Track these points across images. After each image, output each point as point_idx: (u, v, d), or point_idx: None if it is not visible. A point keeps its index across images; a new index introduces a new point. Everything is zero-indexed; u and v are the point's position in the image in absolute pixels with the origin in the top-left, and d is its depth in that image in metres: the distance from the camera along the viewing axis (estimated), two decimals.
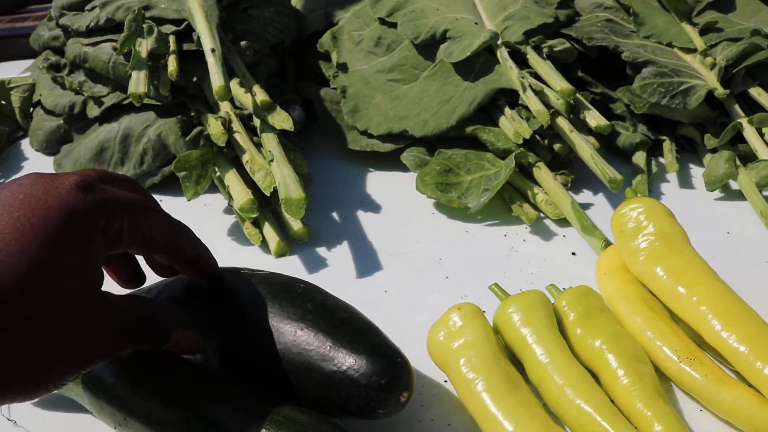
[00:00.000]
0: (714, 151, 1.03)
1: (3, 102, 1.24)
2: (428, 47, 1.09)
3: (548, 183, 0.96)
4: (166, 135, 1.04)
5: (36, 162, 1.19)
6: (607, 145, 1.07)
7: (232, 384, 0.67)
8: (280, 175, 0.90)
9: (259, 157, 0.94)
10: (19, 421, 0.76)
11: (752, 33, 1.06)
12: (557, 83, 0.98)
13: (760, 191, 0.97)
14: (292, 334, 0.67)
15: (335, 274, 0.90)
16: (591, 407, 0.67)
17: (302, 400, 0.66)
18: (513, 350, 0.75)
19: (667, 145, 1.05)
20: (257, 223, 0.96)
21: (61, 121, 1.18)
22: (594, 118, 0.98)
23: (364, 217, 1.00)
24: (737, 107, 1.03)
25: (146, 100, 1.05)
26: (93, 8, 1.11)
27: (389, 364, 0.64)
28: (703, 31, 1.10)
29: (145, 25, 1.03)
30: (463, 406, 0.73)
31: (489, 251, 0.93)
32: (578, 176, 1.03)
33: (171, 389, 0.67)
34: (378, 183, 1.07)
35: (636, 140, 1.04)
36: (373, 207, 1.03)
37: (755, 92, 1.03)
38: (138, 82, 0.96)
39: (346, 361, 0.64)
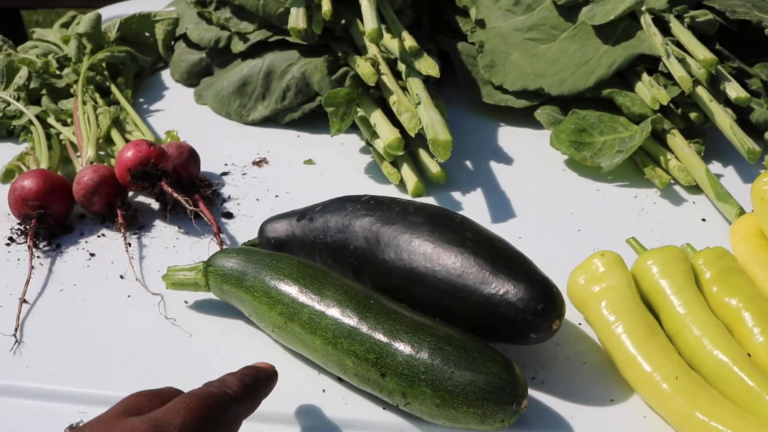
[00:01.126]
0: None
1: (147, 34, 1.32)
2: (570, 9, 1.13)
3: (683, 150, 0.99)
4: (310, 73, 1.10)
5: (176, 92, 1.27)
6: (740, 120, 1.10)
7: (389, 300, 0.73)
8: (427, 117, 0.95)
9: (405, 100, 1.00)
10: (177, 321, 0.83)
11: None
12: (701, 52, 1.01)
13: None
14: (452, 257, 0.73)
15: (470, 216, 0.95)
16: (728, 358, 0.71)
17: (454, 320, 0.71)
18: (649, 301, 0.79)
19: None
20: (395, 164, 1.02)
21: (204, 55, 1.25)
22: (734, 90, 1.01)
23: (496, 167, 1.06)
24: None
25: (291, 39, 1.12)
26: None
27: (546, 293, 0.70)
28: None
29: None
30: (598, 347, 0.78)
31: (620, 209, 0.98)
32: (709, 147, 1.06)
33: (332, 300, 0.73)
34: (510, 137, 1.12)
35: (763, 118, 1.07)
36: (506, 159, 1.08)
37: None
38: (297, 18, 1.03)
39: (505, 285, 0.70)
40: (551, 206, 0.98)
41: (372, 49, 1.06)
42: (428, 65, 1.02)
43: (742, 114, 1.10)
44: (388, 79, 1.02)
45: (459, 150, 1.08)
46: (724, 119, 0.98)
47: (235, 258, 0.82)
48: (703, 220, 0.96)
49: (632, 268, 0.81)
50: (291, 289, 0.76)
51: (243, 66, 1.18)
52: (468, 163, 1.07)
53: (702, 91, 1.01)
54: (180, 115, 1.22)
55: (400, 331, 0.69)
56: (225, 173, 1.07)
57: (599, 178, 1.03)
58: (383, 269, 0.77)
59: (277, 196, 1.02)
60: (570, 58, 1.10)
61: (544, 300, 0.69)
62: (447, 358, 0.67)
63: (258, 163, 1.08)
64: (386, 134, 0.97)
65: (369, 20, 1.01)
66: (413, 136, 0.98)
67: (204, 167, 1.06)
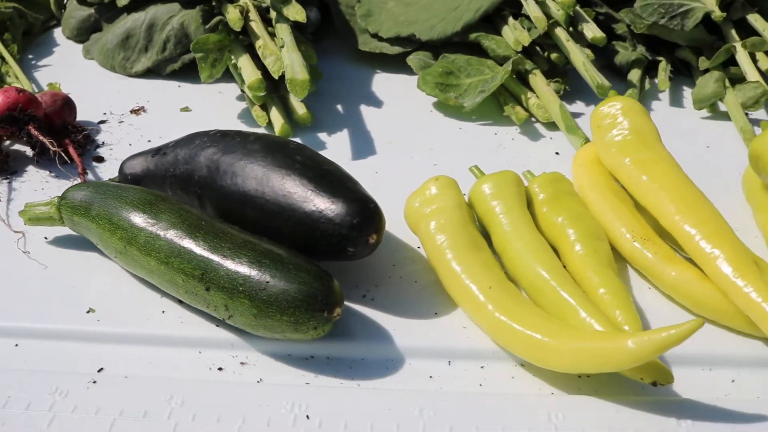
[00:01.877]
0: (707, 72, 1.09)
1: None
2: None
3: (542, 88, 1.03)
4: (188, 23, 1.13)
5: (67, 48, 1.29)
6: (607, 64, 1.15)
7: (222, 222, 0.77)
8: (288, 59, 0.99)
9: (271, 44, 1.03)
10: (33, 255, 0.86)
11: None
12: None
13: (746, 112, 1.03)
14: (280, 179, 0.76)
15: (332, 155, 0.97)
16: (545, 271, 0.75)
17: (282, 240, 0.75)
18: (483, 223, 0.83)
19: (663, 64, 1.12)
20: (266, 108, 1.05)
21: (92, 11, 1.28)
22: (591, 30, 1.05)
23: (366, 110, 1.09)
24: (734, 32, 1.10)
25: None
26: None
27: (362, 208, 0.74)
28: None
29: None
30: (431, 268, 0.82)
31: (479, 145, 1.01)
32: (574, 89, 1.10)
33: (167, 223, 0.76)
34: (383, 83, 1.16)
35: (632, 58, 1.11)
36: (376, 103, 1.11)
37: (752, 18, 1.09)
38: None
39: (324, 202, 0.73)
40: (412, 144, 1.02)
41: None
42: (295, 11, 1.05)
43: (608, 59, 1.14)
44: (256, 26, 1.05)
45: (331, 95, 1.11)
46: (578, 57, 1.02)
47: (85, 190, 0.84)
48: (557, 153, 1.00)
49: (470, 192, 0.85)
50: (130, 215, 0.79)
51: (128, 20, 1.20)
52: (339, 107, 1.10)
53: (560, 32, 1.05)
54: (67, 69, 1.24)
55: (224, 248, 0.73)
56: (102, 121, 1.09)
57: (463, 117, 1.07)
58: (221, 195, 0.80)
59: (149, 141, 1.05)
60: (441, 5, 1.14)
61: (360, 215, 0.73)
62: (263, 270, 0.70)
63: (136, 111, 1.11)
64: (248, 75, 1.00)
65: None
66: (276, 77, 1.01)
67: (84, 116, 1.08)
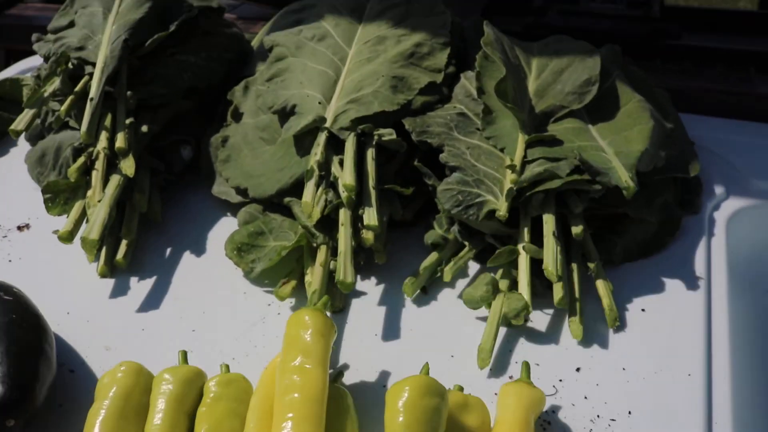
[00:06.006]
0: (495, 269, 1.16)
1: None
2: (286, 115, 1.32)
3: (315, 267, 1.17)
4: (72, 153, 1.39)
5: (20, 150, 1.61)
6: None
7: None
8: (95, 216, 1.22)
9: (96, 196, 1.26)
10: None
11: (576, 155, 1.15)
12: (345, 177, 1.17)
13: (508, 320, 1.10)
14: None
15: (126, 302, 1.21)
16: None
17: None
18: None
19: (463, 252, 1.19)
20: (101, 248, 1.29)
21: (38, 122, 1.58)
22: (369, 217, 1.15)
23: (187, 256, 1.29)
24: (526, 231, 1.14)
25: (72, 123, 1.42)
26: (56, 38, 1.48)
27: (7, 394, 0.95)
28: (532, 144, 1.20)
29: (71, 64, 1.38)
30: None
31: (245, 316, 1.17)
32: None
33: None
34: (224, 229, 1.34)
35: (430, 241, 1.21)
36: (199, 250, 1.30)
37: (545, 219, 1.13)
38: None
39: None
40: (194, 301, 1.20)
41: (101, 144, 1.33)
42: (128, 165, 1.27)
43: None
44: (95, 174, 1.29)
45: (167, 235, 1.33)
46: (342, 245, 1.14)
47: None
48: None
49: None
50: None
51: (51, 138, 1.49)
52: (168, 250, 1.31)
53: (343, 214, 1.17)
54: (6, 173, 1.56)
55: None
56: None
57: (258, 283, 1.22)
58: None
59: (10, 261, 1.32)
60: (275, 162, 1.30)
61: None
62: None
63: (21, 228, 1.40)
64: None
65: (84, 123, 1.28)
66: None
67: None
